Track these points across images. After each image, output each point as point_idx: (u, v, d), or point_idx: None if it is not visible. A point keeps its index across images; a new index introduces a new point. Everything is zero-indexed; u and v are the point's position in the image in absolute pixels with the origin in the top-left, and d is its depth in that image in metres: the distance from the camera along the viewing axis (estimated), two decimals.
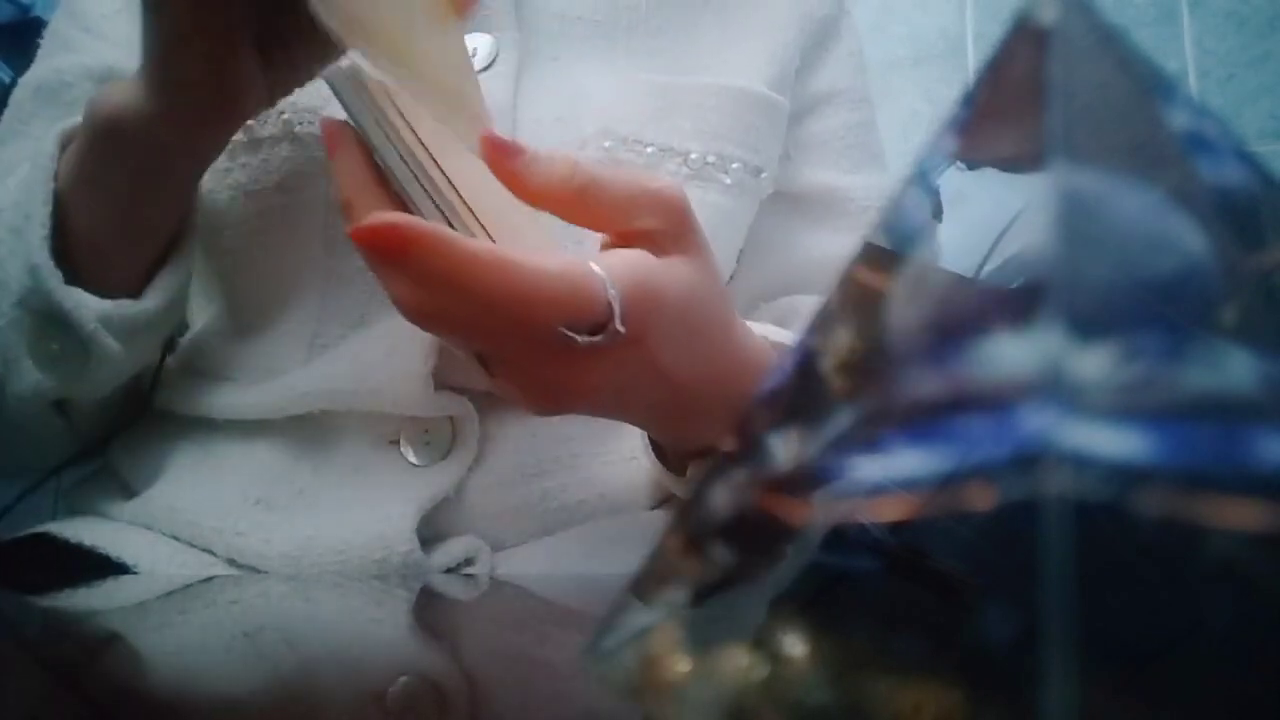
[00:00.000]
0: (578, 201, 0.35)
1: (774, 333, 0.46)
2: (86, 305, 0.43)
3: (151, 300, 0.46)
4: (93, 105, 0.42)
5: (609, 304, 0.33)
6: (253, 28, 0.40)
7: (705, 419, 0.41)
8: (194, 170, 0.45)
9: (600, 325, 0.33)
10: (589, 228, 0.36)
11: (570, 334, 0.32)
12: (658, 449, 0.46)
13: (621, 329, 0.33)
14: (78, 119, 0.45)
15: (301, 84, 0.43)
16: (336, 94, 0.36)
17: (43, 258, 0.42)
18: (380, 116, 0.35)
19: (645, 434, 0.46)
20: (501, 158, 0.34)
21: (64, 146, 0.45)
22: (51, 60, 0.54)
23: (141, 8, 0.39)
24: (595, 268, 0.33)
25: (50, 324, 0.43)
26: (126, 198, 0.44)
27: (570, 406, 0.37)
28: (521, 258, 0.32)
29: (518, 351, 0.34)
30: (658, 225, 0.36)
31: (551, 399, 0.36)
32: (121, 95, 0.41)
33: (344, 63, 0.36)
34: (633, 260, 0.35)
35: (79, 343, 0.44)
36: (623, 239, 0.36)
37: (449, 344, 0.42)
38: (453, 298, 0.32)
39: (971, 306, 0.17)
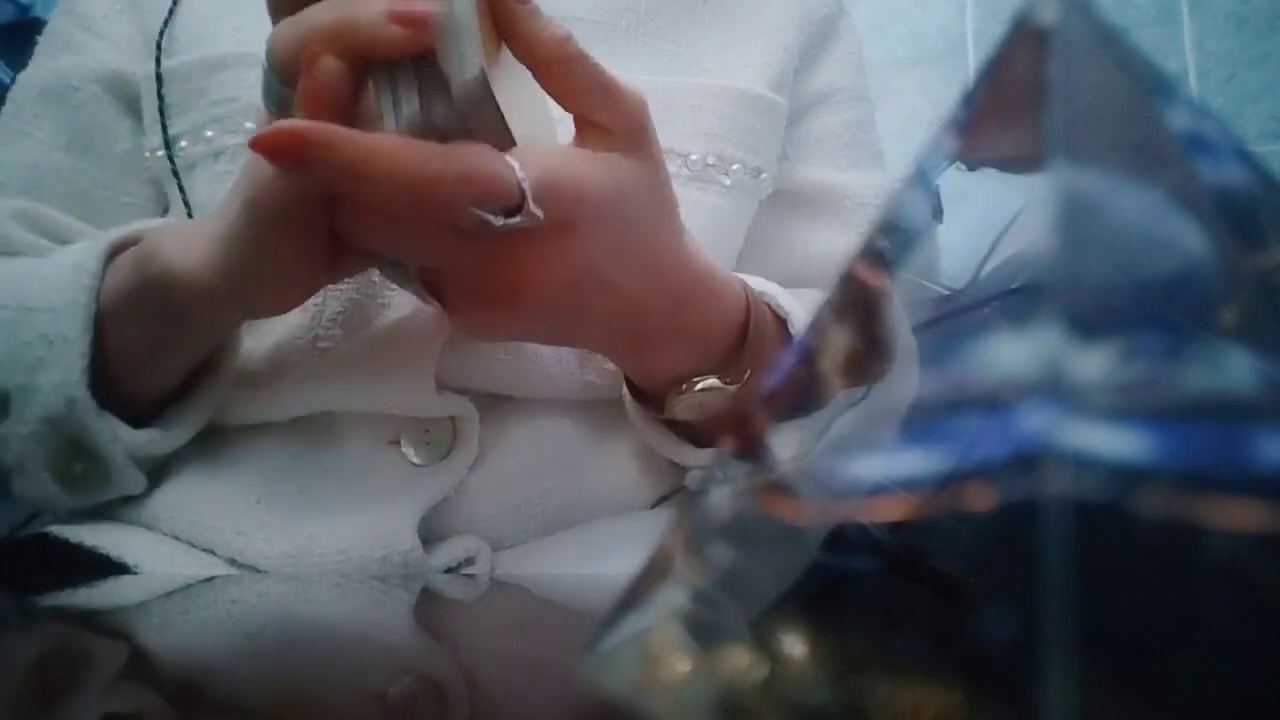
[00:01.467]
0: (555, 70, 0.35)
1: (759, 282, 0.47)
2: (118, 438, 0.44)
3: (180, 434, 0.47)
4: (149, 253, 0.41)
5: (519, 184, 0.33)
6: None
7: (668, 339, 0.41)
8: (233, 329, 0.46)
9: (514, 208, 0.33)
10: (557, 99, 0.37)
11: (484, 215, 0.33)
12: (638, 398, 0.46)
13: (538, 212, 0.33)
14: (123, 231, 0.44)
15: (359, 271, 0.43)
16: None
17: (80, 391, 0.42)
18: None
19: (624, 381, 0.47)
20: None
21: (109, 259, 0.44)
22: (53, 61, 0.54)
23: (241, 205, 0.37)
24: (506, 156, 0.34)
25: (77, 449, 0.44)
26: (165, 338, 0.43)
27: (518, 319, 0.37)
28: (425, 145, 0.32)
29: (445, 247, 0.35)
30: (610, 122, 0.36)
31: (496, 308, 0.37)
32: (183, 257, 0.40)
33: None
34: (554, 150, 0.36)
35: (103, 470, 0.45)
36: (580, 125, 0.37)
37: (400, 282, 0.41)
38: (364, 193, 0.33)
39: (971, 308, 0.17)
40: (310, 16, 0.34)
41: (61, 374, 0.42)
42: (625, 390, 0.47)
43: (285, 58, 0.35)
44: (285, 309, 0.41)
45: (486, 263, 0.35)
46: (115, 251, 0.44)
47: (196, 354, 0.45)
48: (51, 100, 0.53)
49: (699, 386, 0.43)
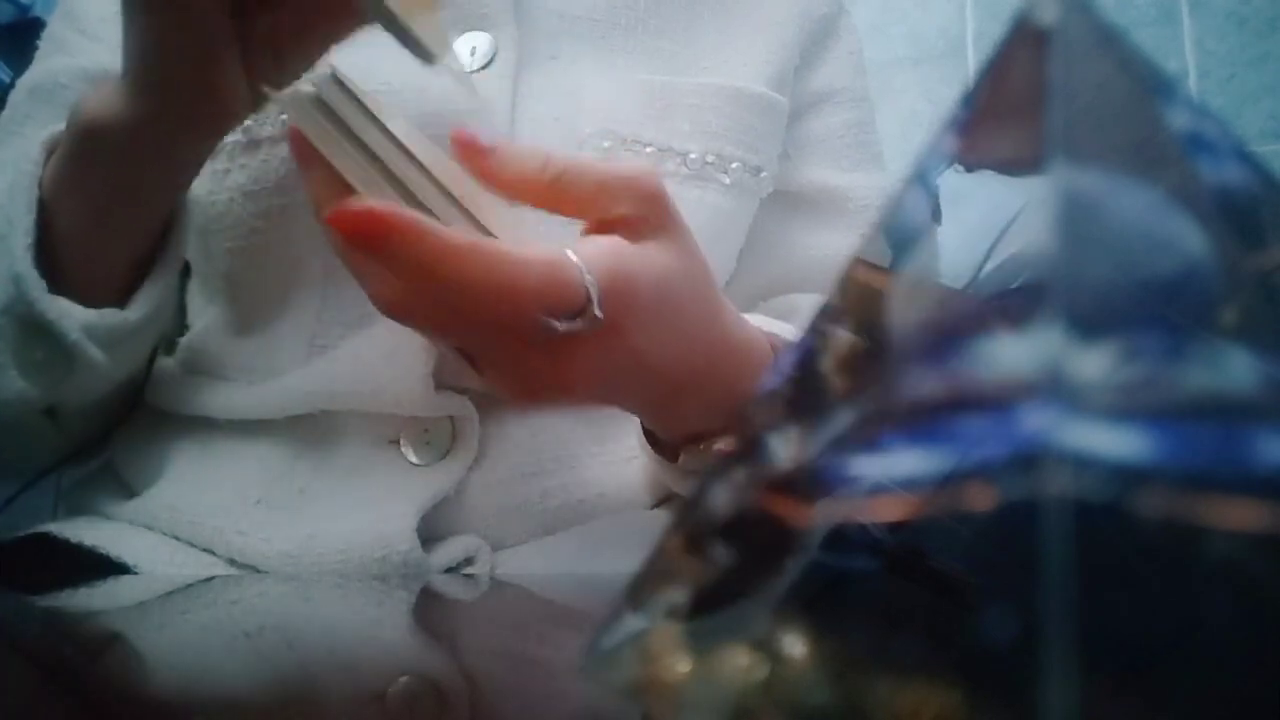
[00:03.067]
0: (552, 193, 0.35)
1: (768, 324, 0.46)
2: (70, 315, 0.43)
3: (135, 310, 0.46)
4: (75, 109, 0.42)
5: (586, 290, 0.33)
6: (238, 32, 0.39)
7: (695, 405, 0.41)
8: (177, 177, 0.44)
9: (578, 311, 0.33)
10: (568, 215, 0.37)
11: (551, 321, 0.33)
12: (652, 438, 0.46)
13: (600, 314, 0.33)
14: (64, 124, 0.44)
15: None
16: (293, 119, 0.35)
17: (25, 267, 0.42)
18: (349, 131, 0.35)
19: (640, 423, 0.46)
20: (473, 155, 0.34)
21: (50, 151, 0.44)
22: (48, 62, 0.54)
23: (122, 10, 0.38)
24: (571, 255, 0.33)
25: (34, 332, 0.43)
26: (107, 203, 0.43)
27: (558, 399, 0.37)
28: (500, 247, 0.32)
29: (500, 343, 0.35)
30: (633, 211, 0.36)
31: (539, 392, 0.37)
32: (103, 99, 0.40)
33: (304, 87, 0.36)
34: (607, 246, 0.35)
35: (62, 352, 0.44)
36: (600, 226, 0.36)
37: (431, 340, 0.41)
38: (432, 288, 0.32)
39: (971, 308, 0.17)
40: None
41: (9, 259, 0.42)
42: (640, 437, 0.47)
43: None
44: (214, 129, 0.41)
45: (534, 355, 0.35)
46: (59, 141, 0.44)
47: (145, 225, 0.45)
48: (41, 99, 0.53)
49: (716, 446, 0.43)
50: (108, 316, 0.44)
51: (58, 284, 0.43)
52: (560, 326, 0.33)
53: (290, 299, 0.48)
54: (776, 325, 0.47)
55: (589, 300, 0.33)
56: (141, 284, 0.46)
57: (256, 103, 0.41)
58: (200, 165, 0.45)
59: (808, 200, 0.58)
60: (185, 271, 0.53)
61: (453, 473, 0.46)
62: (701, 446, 0.43)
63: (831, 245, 0.57)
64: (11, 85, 0.55)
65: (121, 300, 0.45)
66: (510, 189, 0.35)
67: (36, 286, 0.42)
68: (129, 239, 0.45)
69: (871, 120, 0.62)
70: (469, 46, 0.50)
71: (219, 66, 0.39)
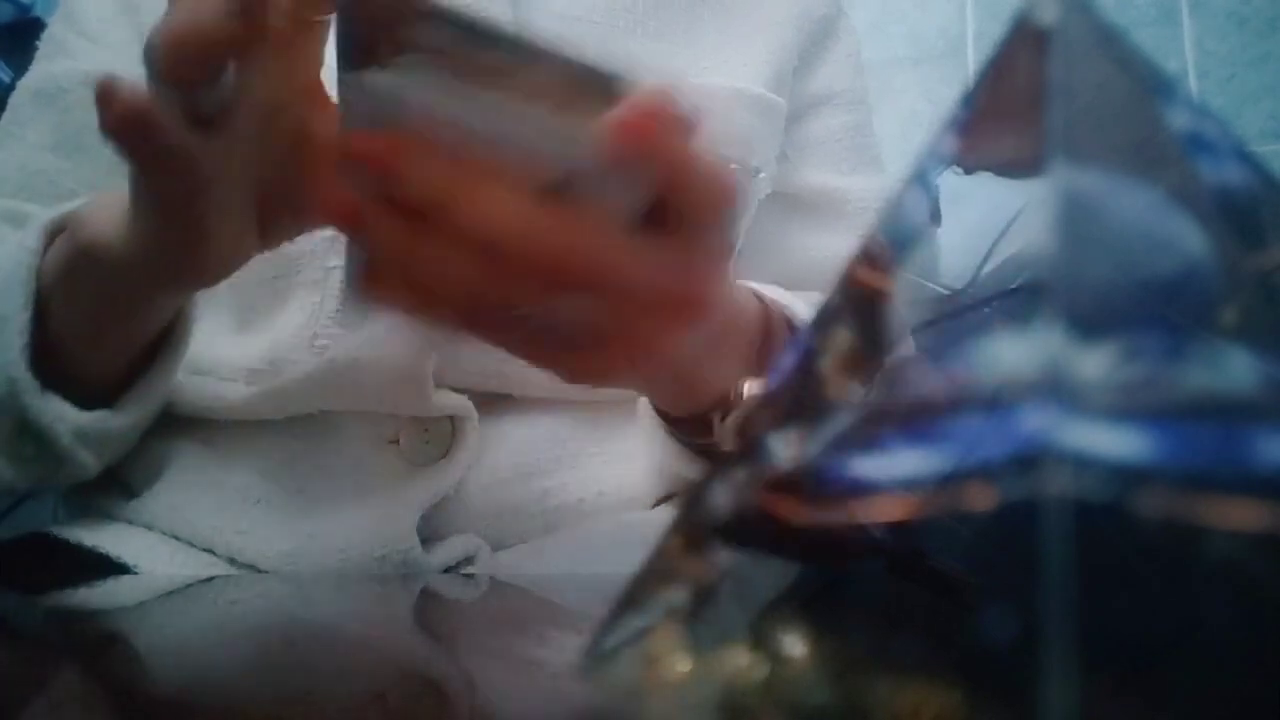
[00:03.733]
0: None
1: (769, 290, 0.47)
2: (63, 419, 0.42)
3: (129, 415, 0.45)
4: (78, 220, 0.40)
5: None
6: (251, 191, 0.36)
7: (710, 370, 0.41)
8: (176, 303, 0.43)
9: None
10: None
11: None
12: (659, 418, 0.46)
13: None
14: (72, 206, 0.43)
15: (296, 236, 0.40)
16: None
17: (20, 371, 0.41)
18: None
19: (649, 407, 0.47)
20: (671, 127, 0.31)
21: (50, 238, 0.43)
22: (48, 64, 0.54)
23: (130, 175, 0.35)
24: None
25: (25, 431, 0.43)
26: (100, 317, 0.42)
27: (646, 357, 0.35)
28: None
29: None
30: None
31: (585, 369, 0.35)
32: (106, 220, 0.38)
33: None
34: None
35: (54, 453, 0.43)
36: None
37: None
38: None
39: (971, 308, 0.17)
40: None
41: (3, 353, 0.41)
42: (647, 415, 0.47)
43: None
44: (213, 281, 0.39)
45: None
46: (61, 228, 0.43)
47: (143, 332, 0.44)
48: (43, 103, 0.53)
49: (744, 394, 0.43)
50: (101, 420, 0.44)
51: (50, 377, 0.42)
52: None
53: (290, 299, 0.48)
54: (779, 293, 0.47)
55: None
56: (135, 384, 0.45)
57: (265, 248, 0.39)
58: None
59: (807, 203, 0.58)
60: None
61: (453, 472, 0.46)
62: (731, 400, 0.43)
63: (830, 247, 0.57)
64: (12, 86, 0.55)
65: (115, 388, 0.45)
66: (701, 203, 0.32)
67: (30, 389, 0.41)
68: (128, 346, 0.44)
69: (870, 123, 0.62)
70: None
71: (238, 248, 0.37)
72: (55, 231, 0.43)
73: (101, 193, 0.41)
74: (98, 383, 0.44)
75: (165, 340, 0.45)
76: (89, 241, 0.39)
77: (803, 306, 0.47)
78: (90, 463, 0.45)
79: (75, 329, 0.42)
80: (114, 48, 0.53)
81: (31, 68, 0.55)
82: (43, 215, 0.44)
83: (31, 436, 0.43)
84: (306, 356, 0.47)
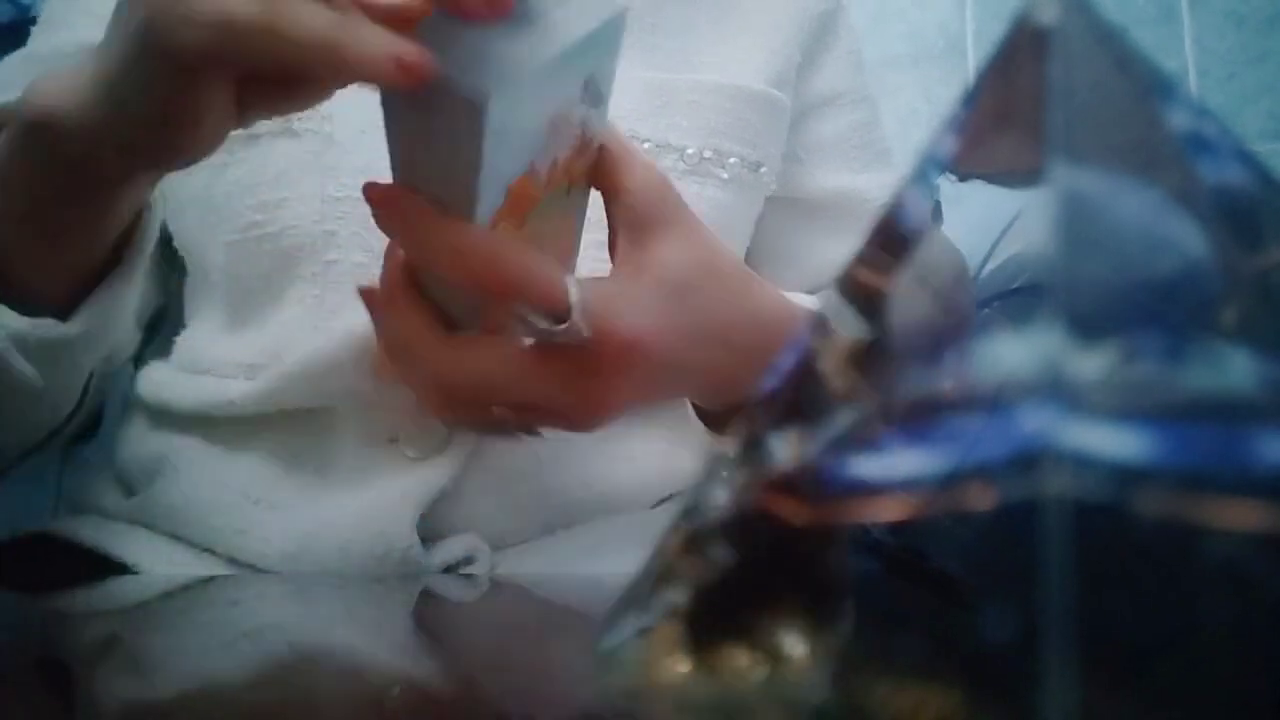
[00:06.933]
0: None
1: (796, 297, 0.47)
2: (1, 324, 0.40)
3: (77, 324, 0.42)
4: (28, 94, 0.36)
5: (568, 295, 0.34)
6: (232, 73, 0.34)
7: (745, 376, 0.41)
8: (131, 194, 0.40)
9: (559, 317, 0.35)
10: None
11: (529, 315, 0.35)
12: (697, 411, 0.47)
13: (582, 326, 0.35)
14: (10, 97, 0.38)
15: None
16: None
17: None
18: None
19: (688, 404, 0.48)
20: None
21: None
22: (40, 35, 0.54)
23: (137, 47, 0.32)
24: (567, 275, 0.35)
25: None
26: (52, 206, 0.39)
27: (606, 420, 0.38)
28: (493, 236, 0.34)
29: (515, 365, 0.36)
30: (639, 202, 0.38)
31: (582, 417, 0.38)
32: (61, 93, 0.35)
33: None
34: (611, 275, 0.37)
35: None
36: (613, 212, 0.38)
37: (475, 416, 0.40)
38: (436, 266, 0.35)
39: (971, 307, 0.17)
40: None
41: None
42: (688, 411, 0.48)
43: None
44: (187, 161, 0.36)
45: (562, 383, 0.36)
46: (5, 120, 0.39)
47: (100, 227, 0.41)
48: (35, 65, 0.52)
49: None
50: (43, 328, 0.41)
51: None
52: (539, 324, 0.35)
53: (288, 293, 0.48)
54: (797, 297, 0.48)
55: (569, 307, 0.34)
56: (88, 297, 0.42)
57: (241, 124, 0.36)
58: (154, 188, 0.42)
59: (824, 207, 0.58)
60: (180, 271, 0.53)
61: (450, 466, 0.46)
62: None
63: (849, 249, 0.57)
64: None
65: (65, 312, 0.42)
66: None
67: None
68: (76, 246, 0.41)
69: (876, 118, 0.62)
70: None
71: (216, 129, 0.35)
72: (4, 118, 0.39)
73: (44, 76, 0.37)
74: (48, 292, 0.41)
75: (122, 253, 0.43)
76: (43, 116, 0.36)
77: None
78: (32, 376, 0.42)
79: (21, 225, 0.39)
80: (105, 19, 0.53)
81: (29, 41, 0.55)
82: None
83: None
84: (305, 350, 0.47)
